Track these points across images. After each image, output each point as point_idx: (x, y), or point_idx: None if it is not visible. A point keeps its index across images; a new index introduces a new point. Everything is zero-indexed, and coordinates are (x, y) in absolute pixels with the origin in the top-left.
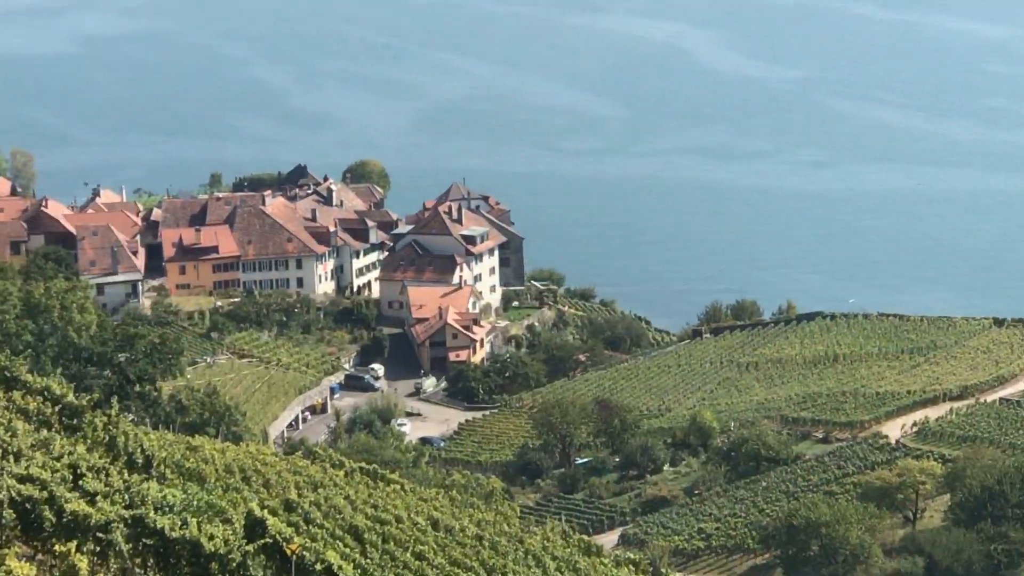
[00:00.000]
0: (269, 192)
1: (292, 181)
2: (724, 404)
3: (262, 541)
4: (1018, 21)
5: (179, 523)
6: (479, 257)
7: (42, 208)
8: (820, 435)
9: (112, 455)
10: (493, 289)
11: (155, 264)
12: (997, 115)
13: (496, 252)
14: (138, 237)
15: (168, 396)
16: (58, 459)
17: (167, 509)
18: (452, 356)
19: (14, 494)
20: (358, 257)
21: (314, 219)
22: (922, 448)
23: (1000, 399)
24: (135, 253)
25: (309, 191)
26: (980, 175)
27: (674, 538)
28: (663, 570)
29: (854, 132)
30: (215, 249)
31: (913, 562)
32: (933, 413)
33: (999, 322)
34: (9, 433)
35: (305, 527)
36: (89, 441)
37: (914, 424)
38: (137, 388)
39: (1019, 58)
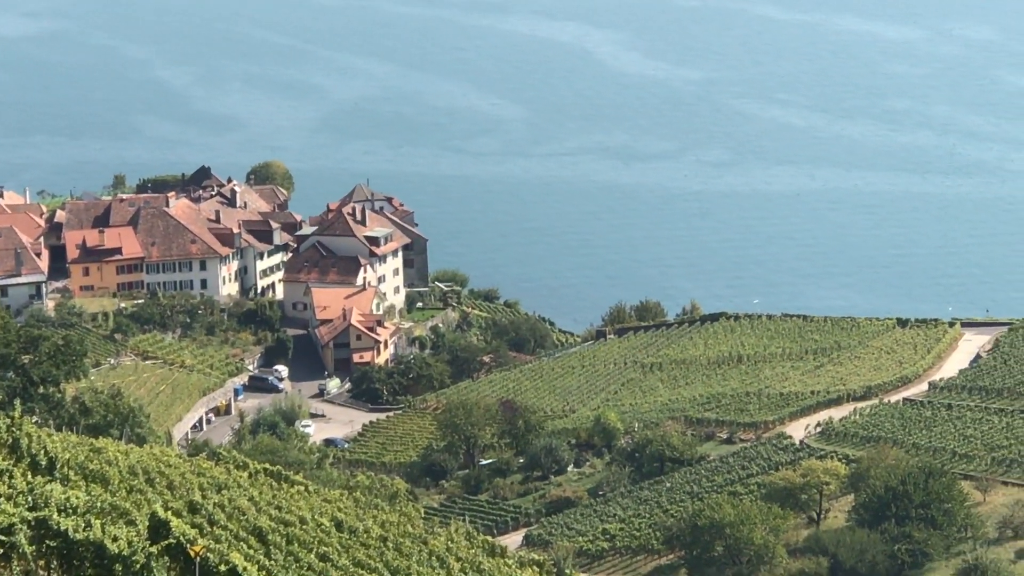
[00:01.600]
0: (173, 194)
1: (196, 183)
2: (628, 405)
3: (166, 543)
4: (921, 22)
5: (83, 525)
6: (383, 258)
7: None
8: (724, 436)
9: (15, 457)
10: (397, 290)
11: (59, 266)
12: (900, 116)
13: (400, 253)
14: (41, 239)
15: (72, 398)
16: None
17: (71, 511)
18: (356, 357)
19: None
20: (262, 259)
21: (218, 221)
22: (826, 448)
23: (903, 399)
24: (39, 255)
25: (213, 193)
26: (883, 176)
27: (578, 539)
28: (567, 571)
29: (757, 133)
30: (119, 251)
31: (817, 562)
32: (837, 413)
33: (902, 323)
34: None
35: (209, 529)
36: None
37: (818, 424)
38: (41, 390)
39: (922, 59)
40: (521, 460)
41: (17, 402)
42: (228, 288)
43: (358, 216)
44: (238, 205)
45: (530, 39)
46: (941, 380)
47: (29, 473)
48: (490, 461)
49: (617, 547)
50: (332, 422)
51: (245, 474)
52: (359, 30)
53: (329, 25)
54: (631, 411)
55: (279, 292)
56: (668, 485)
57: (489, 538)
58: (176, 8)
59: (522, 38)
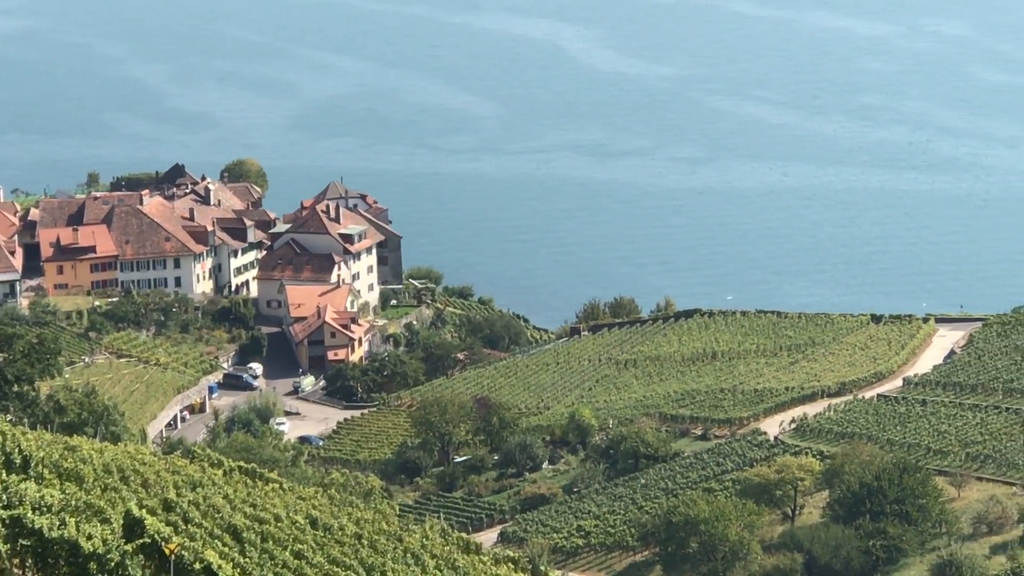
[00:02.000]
0: (147, 192)
1: (170, 180)
2: (603, 402)
3: (140, 541)
4: (894, 18)
5: (57, 523)
6: (357, 256)
7: None
8: (699, 432)
9: None
10: (371, 288)
11: (33, 264)
12: (873, 112)
13: (374, 251)
14: (15, 237)
15: (46, 396)
16: None
17: (45, 509)
18: (330, 355)
19: None
20: (236, 256)
21: (192, 218)
22: (800, 445)
23: (878, 395)
24: (12, 253)
25: (187, 190)
26: (857, 172)
27: (553, 536)
28: (542, 568)
29: (731, 129)
30: (93, 249)
31: (792, 558)
32: (811, 410)
33: (876, 319)
34: None
35: (184, 526)
36: None
37: (792, 421)
38: (15, 388)
39: (895, 55)
40: (496, 457)
41: None
42: (202, 286)
43: (332, 214)
44: (212, 203)
45: (503, 36)
46: (915, 376)
47: (3, 471)
48: (465, 458)
49: (592, 544)
50: (307, 419)
51: (220, 472)
52: (333, 27)
53: (302, 22)
54: (605, 408)
55: (253, 290)
56: (643, 482)
57: (464, 535)
58: (150, 6)
59: (496, 35)
